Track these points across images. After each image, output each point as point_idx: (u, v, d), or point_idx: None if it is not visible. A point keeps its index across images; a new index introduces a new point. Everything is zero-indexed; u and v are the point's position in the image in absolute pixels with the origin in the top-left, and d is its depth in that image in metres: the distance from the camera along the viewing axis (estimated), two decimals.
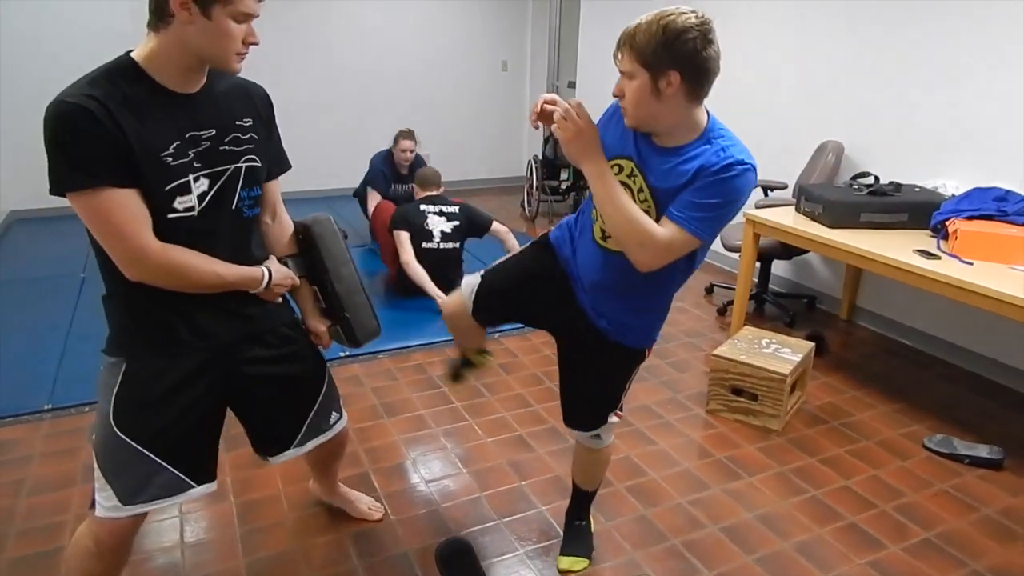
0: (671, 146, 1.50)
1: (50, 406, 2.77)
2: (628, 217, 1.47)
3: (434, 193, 4.09)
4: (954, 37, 3.24)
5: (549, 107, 1.51)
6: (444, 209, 4.00)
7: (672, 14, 1.37)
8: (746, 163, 1.45)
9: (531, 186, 5.98)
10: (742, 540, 2.15)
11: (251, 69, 1.48)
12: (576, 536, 2.10)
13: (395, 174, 4.88)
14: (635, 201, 1.53)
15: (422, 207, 3.98)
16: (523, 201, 6.24)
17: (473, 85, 6.91)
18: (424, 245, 3.88)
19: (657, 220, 1.51)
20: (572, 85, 6.53)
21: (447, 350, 3.21)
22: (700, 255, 1.63)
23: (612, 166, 1.54)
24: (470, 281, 1.87)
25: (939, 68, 3.32)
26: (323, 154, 6.12)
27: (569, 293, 1.76)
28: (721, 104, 1.74)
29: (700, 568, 2.04)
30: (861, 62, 3.69)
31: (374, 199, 4.74)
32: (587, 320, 1.74)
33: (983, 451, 2.58)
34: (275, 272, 1.58)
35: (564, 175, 5.89)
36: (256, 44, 1.40)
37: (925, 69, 3.38)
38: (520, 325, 3.65)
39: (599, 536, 2.14)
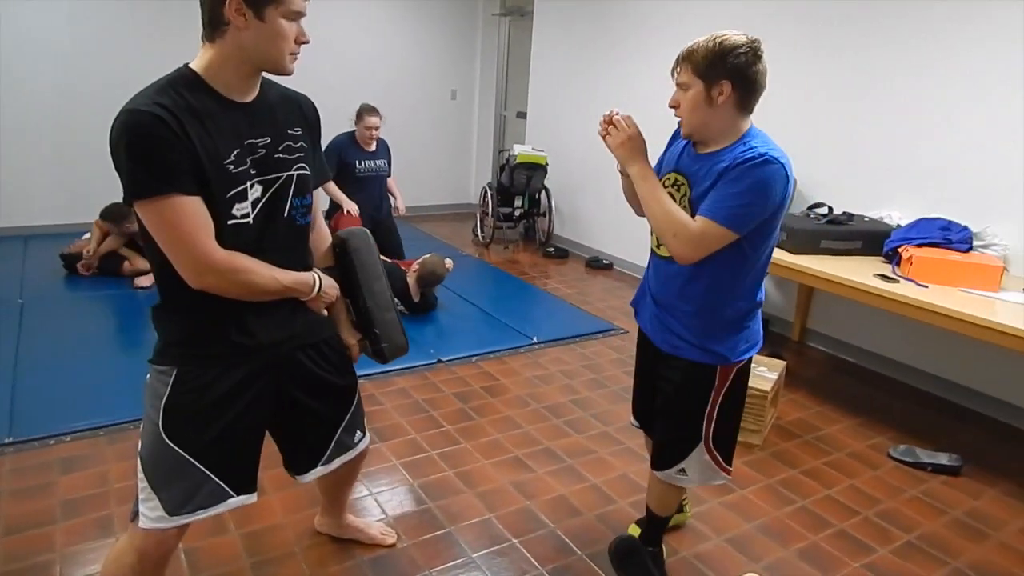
0: (709, 152, 1.69)
1: (11, 439, 2.57)
2: (664, 209, 1.65)
3: None
4: (897, 78, 3.57)
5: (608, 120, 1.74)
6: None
7: (726, 34, 1.60)
8: (769, 156, 1.57)
9: (484, 213, 6.06)
10: (748, 549, 2.25)
11: None
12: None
13: (361, 151, 4.63)
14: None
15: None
16: (475, 227, 6.29)
17: (423, 113, 6.96)
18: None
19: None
20: (522, 115, 6.69)
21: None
22: (752, 256, 1.69)
23: (663, 179, 1.76)
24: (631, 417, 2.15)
25: (883, 107, 3.64)
26: None
27: (651, 345, 1.92)
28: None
29: None
30: (810, 103, 3.99)
31: (333, 184, 4.51)
32: (660, 352, 1.87)
33: (943, 459, 2.81)
34: (324, 280, 1.58)
35: (518, 202, 5.99)
36: (307, 43, 1.43)
37: (870, 108, 3.70)
38: (500, 348, 3.72)
39: None
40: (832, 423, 3.16)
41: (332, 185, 4.59)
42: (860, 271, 3.07)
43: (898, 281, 2.95)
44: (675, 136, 1.86)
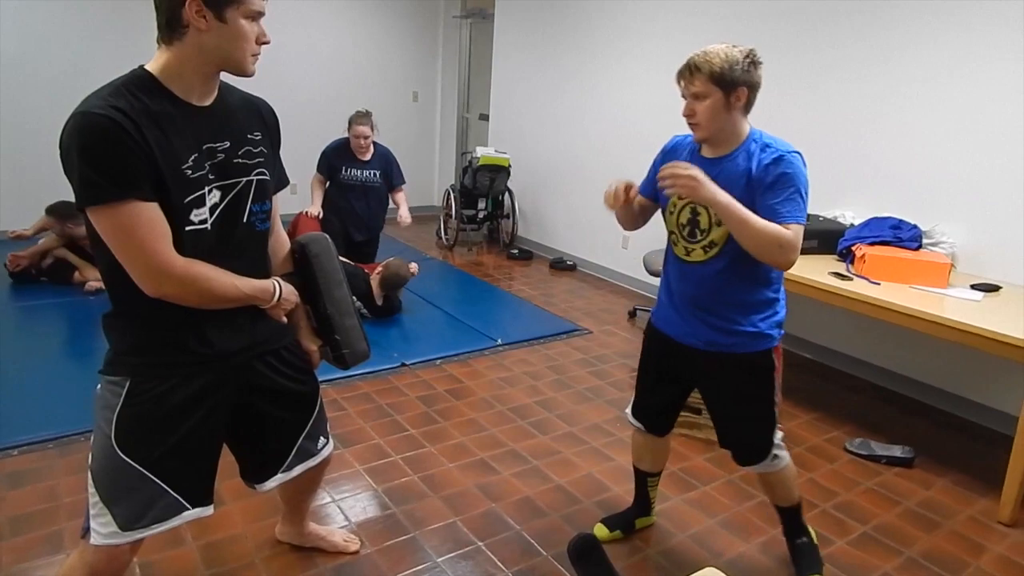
0: (719, 155, 1.82)
1: None
2: (764, 226, 1.68)
3: None
4: (849, 81, 3.66)
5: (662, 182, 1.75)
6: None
7: (730, 46, 1.74)
8: (790, 150, 1.77)
9: (448, 215, 6.04)
10: (710, 545, 2.28)
11: None
12: (802, 555, 2.14)
13: (352, 159, 4.45)
14: (705, 212, 1.78)
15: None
16: (439, 230, 6.27)
17: (385, 115, 6.84)
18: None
19: (721, 222, 1.76)
20: (484, 117, 6.69)
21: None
22: None
23: None
24: (627, 414, 2.21)
25: (836, 110, 3.74)
26: None
27: (684, 349, 1.95)
28: (642, 143, 1.91)
29: (677, 575, 2.13)
30: (764, 104, 4.05)
31: (317, 188, 4.45)
32: (705, 353, 1.91)
33: (897, 451, 2.89)
34: (284, 287, 1.55)
35: (481, 204, 5.98)
36: (268, 43, 1.41)
37: (824, 111, 3.79)
38: (465, 350, 3.71)
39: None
40: (791, 418, 3.22)
41: (317, 184, 4.51)
42: (815, 269, 3.14)
43: (852, 279, 3.03)
44: (669, 151, 1.96)
